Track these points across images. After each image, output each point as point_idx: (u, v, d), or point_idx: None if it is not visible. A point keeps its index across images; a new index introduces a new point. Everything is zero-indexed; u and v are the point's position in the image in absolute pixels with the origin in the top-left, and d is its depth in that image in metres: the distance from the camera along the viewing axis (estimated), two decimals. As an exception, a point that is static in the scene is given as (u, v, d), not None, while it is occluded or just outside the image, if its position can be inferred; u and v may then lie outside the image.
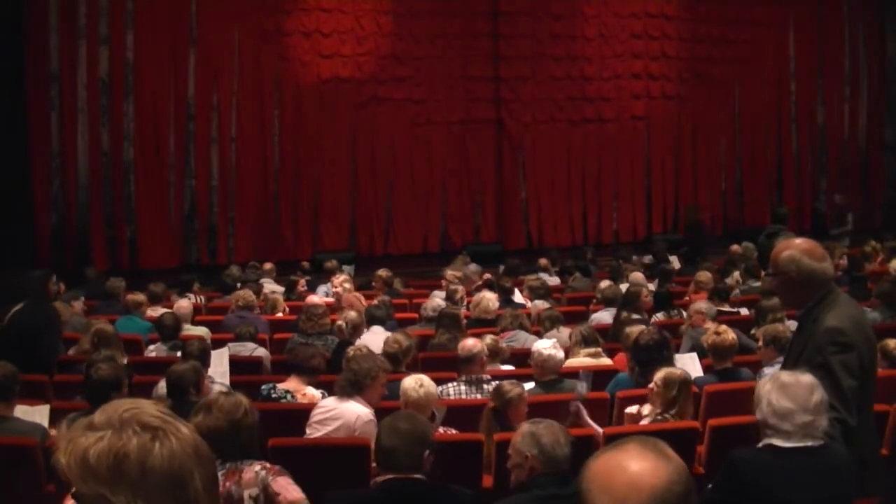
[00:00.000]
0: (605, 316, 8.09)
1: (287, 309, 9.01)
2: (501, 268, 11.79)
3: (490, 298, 8.05)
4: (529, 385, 5.24)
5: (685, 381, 4.68)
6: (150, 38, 13.02)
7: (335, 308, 8.66)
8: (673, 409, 4.59)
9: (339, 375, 4.82)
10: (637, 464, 1.47)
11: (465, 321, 7.39)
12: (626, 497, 1.44)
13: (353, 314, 6.38)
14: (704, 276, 9.44)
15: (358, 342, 6.29)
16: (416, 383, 4.58)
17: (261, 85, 13.70)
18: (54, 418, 4.85)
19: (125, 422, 1.33)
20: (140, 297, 8.37)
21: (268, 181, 13.87)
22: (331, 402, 4.69)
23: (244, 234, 13.75)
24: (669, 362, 5.50)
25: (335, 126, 14.06)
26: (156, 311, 8.16)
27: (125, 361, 5.63)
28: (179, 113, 13.33)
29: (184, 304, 8.28)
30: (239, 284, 9.46)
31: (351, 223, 14.28)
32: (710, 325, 6.33)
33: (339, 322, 6.21)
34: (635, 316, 7.41)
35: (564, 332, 6.63)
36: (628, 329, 5.96)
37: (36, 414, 4.85)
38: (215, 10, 13.34)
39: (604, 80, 15.44)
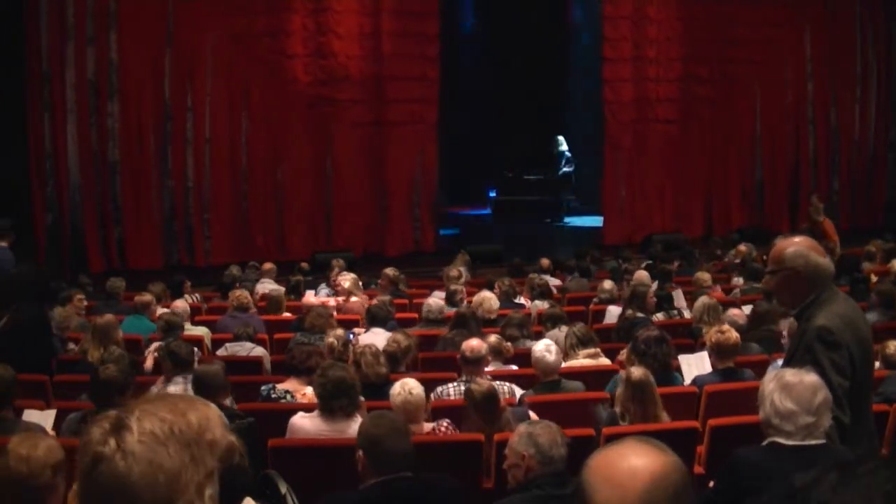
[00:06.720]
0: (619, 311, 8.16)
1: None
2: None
3: (492, 298, 8.07)
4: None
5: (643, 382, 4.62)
6: (132, 38, 12.98)
7: (340, 308, 8.70)
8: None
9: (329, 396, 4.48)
10: (636, 455, 1.55)
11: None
12: (624, 484, 1.51)
13: (340, 331, 6.31)
14: (704, 276, 9.44)
15: (361, 341, 6.30)
16: (398, 388, 4.46)
17: (231, 86, 13.68)
18: (58, 420, 4.86)
19: None
20: (147, 297, 8.37)
21: (237, 182, 13.89)
22: (326, 427, 4.42)
23: (219, 236, 13.77)
24: (668, 360, 5.53)
25: (298, 127, 14.07)
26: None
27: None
28: (158, 114, 13.34)
29: (179, 304, 8.28)
30: (237, 285, 9.46)
31: (313, 224, 14.30)
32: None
33: (331, 339, 6.03)
34: (640, 315, 7.43)
35: (566, 331, 6.62)
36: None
37: (42, 418, 4.85)
38: (191, 9, 13.29)
39: (668, 81, 15.81)
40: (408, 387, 4.47)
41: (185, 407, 1.39)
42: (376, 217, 14.68)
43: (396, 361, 5.75)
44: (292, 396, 5.20)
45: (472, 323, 6.97)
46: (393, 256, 14.00)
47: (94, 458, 1.33)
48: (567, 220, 17.43)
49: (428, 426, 4.56)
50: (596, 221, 16.48)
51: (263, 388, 5.32)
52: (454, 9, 17.98)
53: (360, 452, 3.33)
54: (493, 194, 18.00)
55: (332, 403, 4.39)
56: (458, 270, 10.05)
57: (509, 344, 6.30)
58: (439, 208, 15.52)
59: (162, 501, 1.31)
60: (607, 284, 9.18)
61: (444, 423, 4.59)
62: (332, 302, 9.03)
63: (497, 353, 6.01)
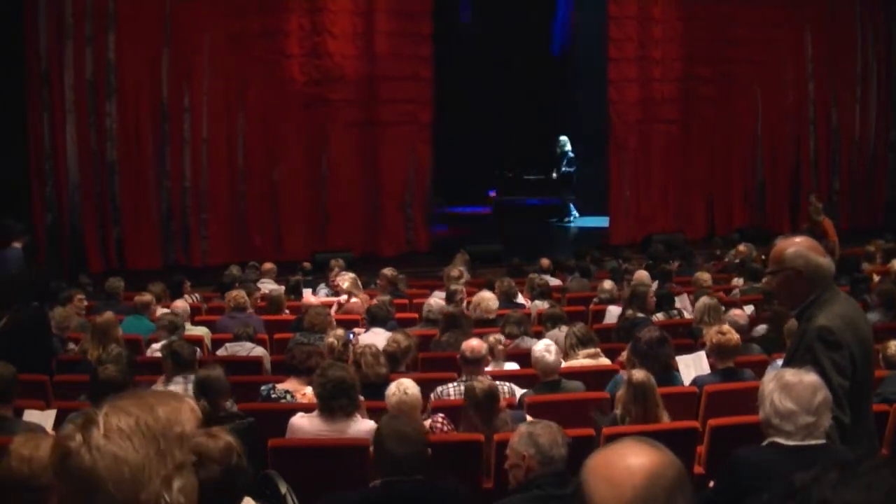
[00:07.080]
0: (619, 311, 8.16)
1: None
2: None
3: (490, 298, 8.05)
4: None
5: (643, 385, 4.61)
6: (130, 38, 12.98)
7: (341, 307, 8.69)
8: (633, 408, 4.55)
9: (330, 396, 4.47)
10: (633, 454, 1.57)
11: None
12: (622, 481, 1.53)
13: (340, 331, 6.32)
14: (704, 276, 9.43)
15: (361, 341, 6.30)
16: (394, 388, 4.49)
17: (228, 86, 13.67)
18: (58, 420, 4.86)
19: None
20: (147, 297, 8.37)
21: (235, 182, 13.89)
22: (326, 427, 4.42)
23: (216, 236, 13.77)
24: (669, 361, 5.52)
25: (295, 127, 14.06)
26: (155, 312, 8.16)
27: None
28: (156, 114, 13.33)
29: (179, 304, 8.28)
30: (237, 285, 9.45)
31: (310, 224, 14.28)
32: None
33: (331, 339, 6.05)
34: (640, 315, 7.43)
35: (566, 331, 6.62)
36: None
37: (42, 418, 4.85)
38: (189, 10, 13.28)
39: (669, 81, 15.85)
40: (403, 387, 4.47)
41: (155, 402, 1.43)
42: (372, 217, 14.68)
43: (396, 361, 5.75)
44: (292, 396, 5.20)
45: (462, 322, 6.97)
46: (389, 256, 13.99)
47: (63, 452, 1.38)
48: (572, 220, 17.43)
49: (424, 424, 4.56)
50: (597, 222, 16.48)
51: (263, 388, 5.32)
52: (454, 8, 17.98)
53: (372, 450, 3.36)
54: (492, 194, 18.03)
55: (332, 403, 4.39)
56: (459, 270, 10.04)
57: (502, 346, 6.27)
58: (433, 208, 15.52)
59: (127, 493, 1.35)
60: (607, 284, 9.17)
61: (440, 417, 4.59)
62: (342, 298, 9.02)
63: (491, 353, 5.99)
